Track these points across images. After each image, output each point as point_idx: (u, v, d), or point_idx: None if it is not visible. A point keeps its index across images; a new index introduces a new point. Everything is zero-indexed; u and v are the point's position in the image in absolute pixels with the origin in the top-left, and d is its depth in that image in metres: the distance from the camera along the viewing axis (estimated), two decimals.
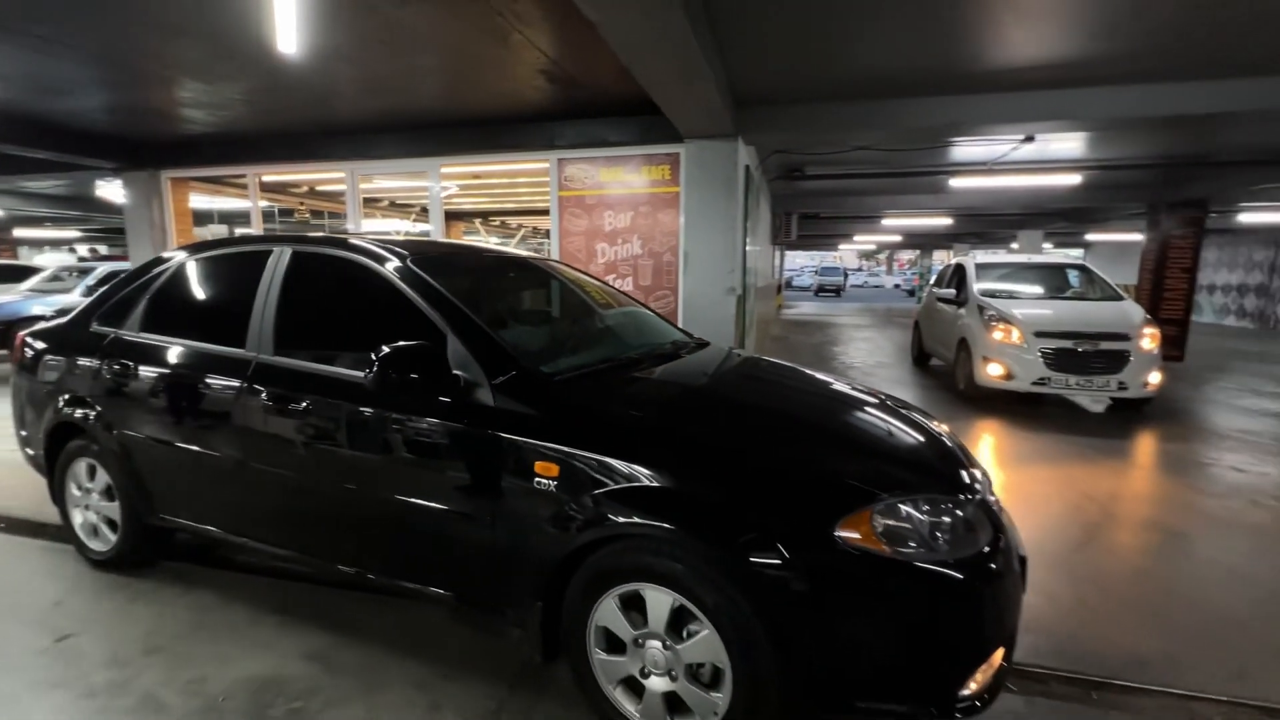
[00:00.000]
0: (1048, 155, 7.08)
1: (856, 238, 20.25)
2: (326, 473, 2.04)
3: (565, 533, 1.63)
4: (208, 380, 2.29)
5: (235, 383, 2.21)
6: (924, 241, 23.38)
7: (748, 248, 6.70)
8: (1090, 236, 17.53)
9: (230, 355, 2.27)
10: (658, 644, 1.60)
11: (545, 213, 5.80)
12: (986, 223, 15.06)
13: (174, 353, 2.43)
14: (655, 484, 1.55)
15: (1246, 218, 11.70)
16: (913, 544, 1.46)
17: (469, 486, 1.79)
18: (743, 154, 5.25)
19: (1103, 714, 1.91)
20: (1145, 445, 4.91)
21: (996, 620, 1.52)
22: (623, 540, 1.59)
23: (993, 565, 1.51)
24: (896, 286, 35.09)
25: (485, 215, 12.92)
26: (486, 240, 15.30)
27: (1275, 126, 5.85)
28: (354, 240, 2.26)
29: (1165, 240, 9.39)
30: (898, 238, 20.34)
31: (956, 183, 7.80)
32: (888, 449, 1.85)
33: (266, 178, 7.02)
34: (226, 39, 3.76)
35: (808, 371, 2.54)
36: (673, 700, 1.61)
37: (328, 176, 7.48)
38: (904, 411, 2.17)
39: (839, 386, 2.35)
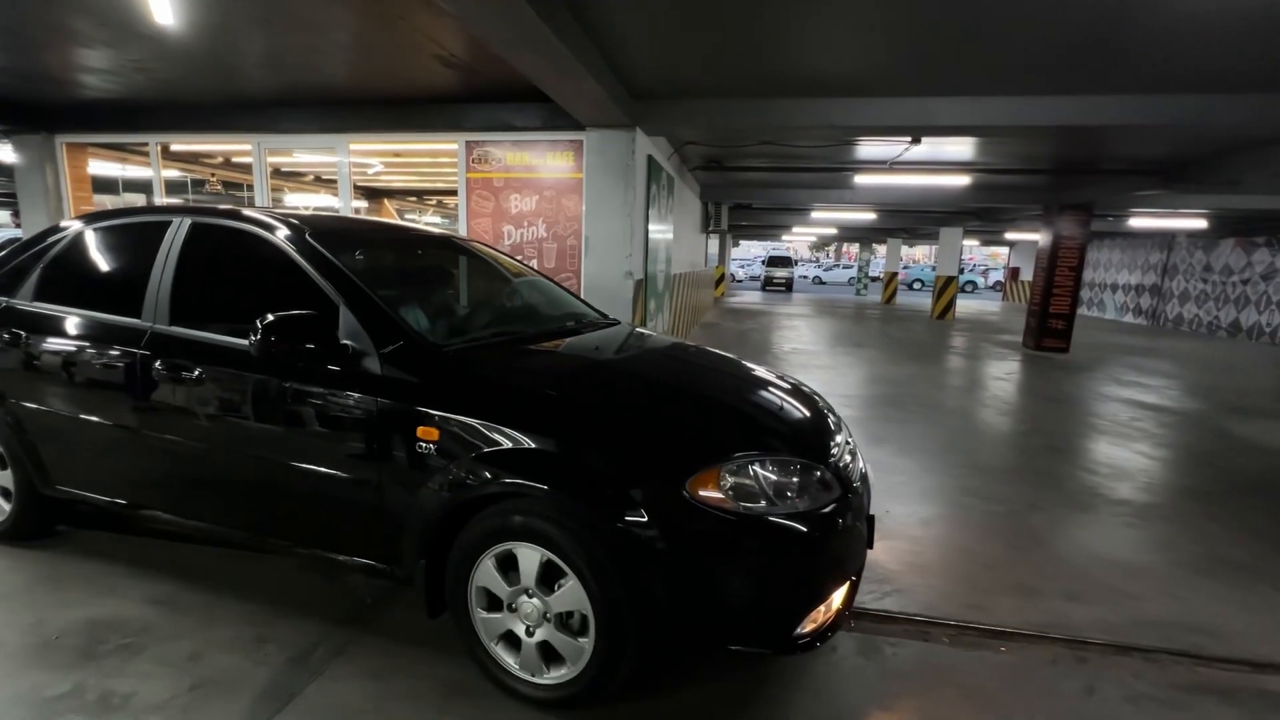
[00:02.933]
0: (941, 156, 7.57)
1: (796, 229, 20.82)
2: (219, 440, 2.12)
3: (444, 493, 1.74)
4: (102, 350, 2.31)
5: (130, 352, 2.24)
6: (862, 235, 24.19)
7: (662, 236, 6.97)
8: (1010, 235, 18.59)
9: (125, 325, 2.29)
10: (532, 598, 1.75)
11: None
12: (913, 218, 15.79)
13: (68, 323, 2.43)
14: (527, 446, 1.67)
15: (1137, 222, 12.67)
16: (760, 501, 1.62)
17: (357, 452, 1.88)
18: (643, 144, 5.48)
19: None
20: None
21: (835, 568, 1.70)
22: (497, 501, 1.72)
23: (835, 520, 1.67)
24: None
25: (420, 194, 12.79)
26: (418, 220, 15.09)
27: (1144, 139, 6.46)
28: (250, 213, 2.30)
29: (1056, 240, 10.15)
30: (833, 230, 21.03)
31: (861, 179, 8.24)
32: (756, 416, 2.00)
33: (176, 147, 6.86)
34: (103, 7, 3.75)
35: (712, 350, 2.65)
36: (547, 649, 1.76)
37: (233, 148, 7.34)
38: (787, 384, 2.34)
39: (735, 364, 2.48)
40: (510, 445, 1.70)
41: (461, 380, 1.87)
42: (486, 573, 1.79)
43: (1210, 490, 3.91)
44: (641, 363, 2.39)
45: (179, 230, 2.35)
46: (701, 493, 1.58)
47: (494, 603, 1.83)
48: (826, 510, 1.67)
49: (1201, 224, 12.76)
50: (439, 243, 3.01)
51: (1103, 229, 15.43)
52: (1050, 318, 10.27)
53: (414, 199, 13.47)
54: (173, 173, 8.28)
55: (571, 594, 1.67)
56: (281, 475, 2.03)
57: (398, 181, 10.84)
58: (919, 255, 41.10)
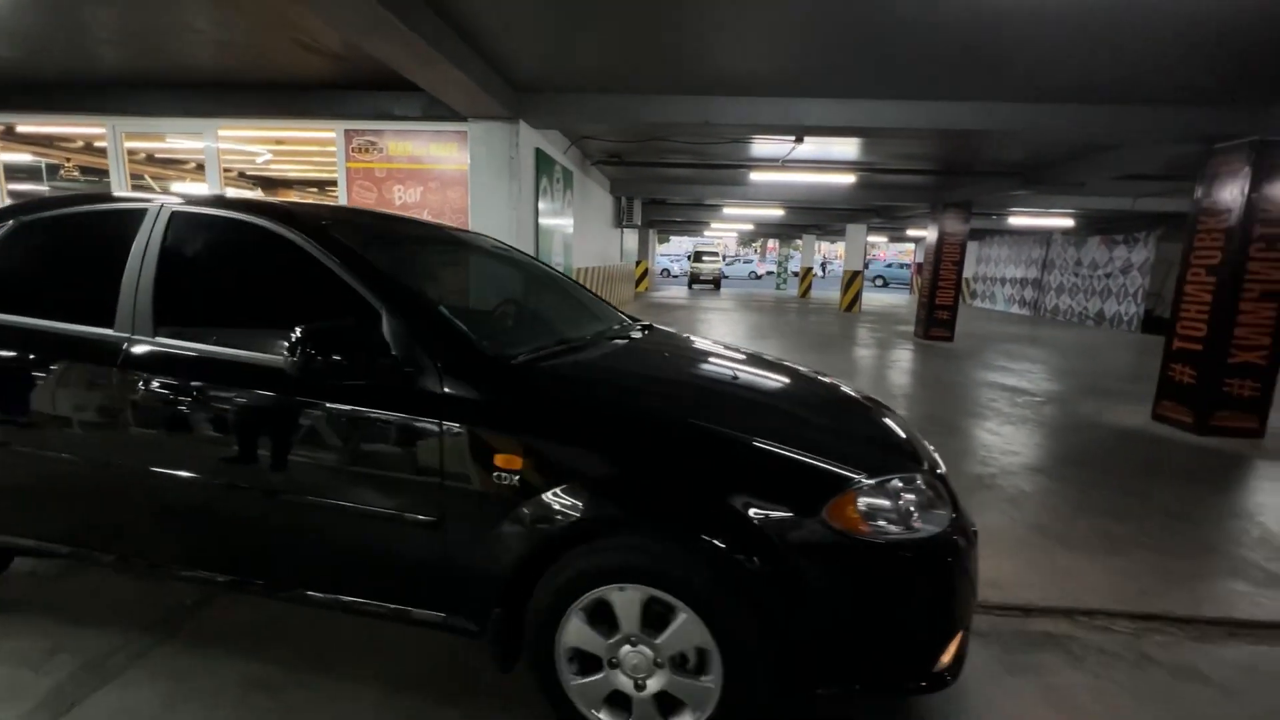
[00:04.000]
0: (829, 155, 7.97)
1: (714, 225, 21.30)
2: (224, 474, 1.76)
3: (527, 529, 1.50)
4: (61, 368, 1.90)
5: (102, 370, 1.84)
6: (779, 231, 25.04)
7: (559, 229, 6.99)
8: (912, 232, 19.74)
9: (93, 337, 1.87)
10: (636, 646, 1.51)
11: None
12: (823, 215, 16.50)
13: (7, 335, 1.97)
14: (630, 472, 1.51)
15: (1016, 220, 13.77)
16: (891, 523, 1.47)
17: (414, 483, 1.60)
18: (529, 137, 5.49)
19: None
20: None
21: (966, 592, 1.55)
22: (589, 537, 1.49)
23: (957, 539, 1.54)
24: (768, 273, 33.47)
25: (320, 184, 12.22)
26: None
27: (1005, 143, 7.03)
28: (250, 200, 2.00)
29: (940, 237, 10.89)
30: (750, 226, 21.67)
31: (755, 176, 8.55)
32: (855, 431, 1.90)
33: (23, 128, 6.28)
34: None
35: (756, 354, 2.53)
36: (663, 700, 1.52)
37: (86, 131, 6.79)
38: (853, 395, 2.22)
39: (788, 369, 2.35)
40: (613, 471, 1.51)
41: (539, 397, 1.64)
42: (577, 631, 1.54)
43: (1040, 463, 4.34)
44: (717, 376, 2.20)
45: (157, 222, 1.93)
46: (838, 517, 1.43)
47: (589, 664, 1.57)
48: (949, 527, 1.55)
49: (1070, 223, 14.03)
50: (463, 242, 2.63)
51: (990, 226, 16.66)
52: (936, 309, 11.00)
53: (314, 190, 12.86)
54: (23, 156, 7.54)
55: (685, 630, 1.46)
56: (312, 517, 1.72)
57: (293, 171, 10.33)
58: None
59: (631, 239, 16.05)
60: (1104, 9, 3.36)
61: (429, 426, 1.58)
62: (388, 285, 1.72)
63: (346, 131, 5.44)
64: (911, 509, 1.51)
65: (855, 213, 15.72)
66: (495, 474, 1.53)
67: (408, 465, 1.61)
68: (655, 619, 1.49)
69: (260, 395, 1.73)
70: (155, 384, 1.79)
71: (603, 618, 1.53)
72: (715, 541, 1.42)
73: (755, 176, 8.64)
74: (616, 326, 2.49)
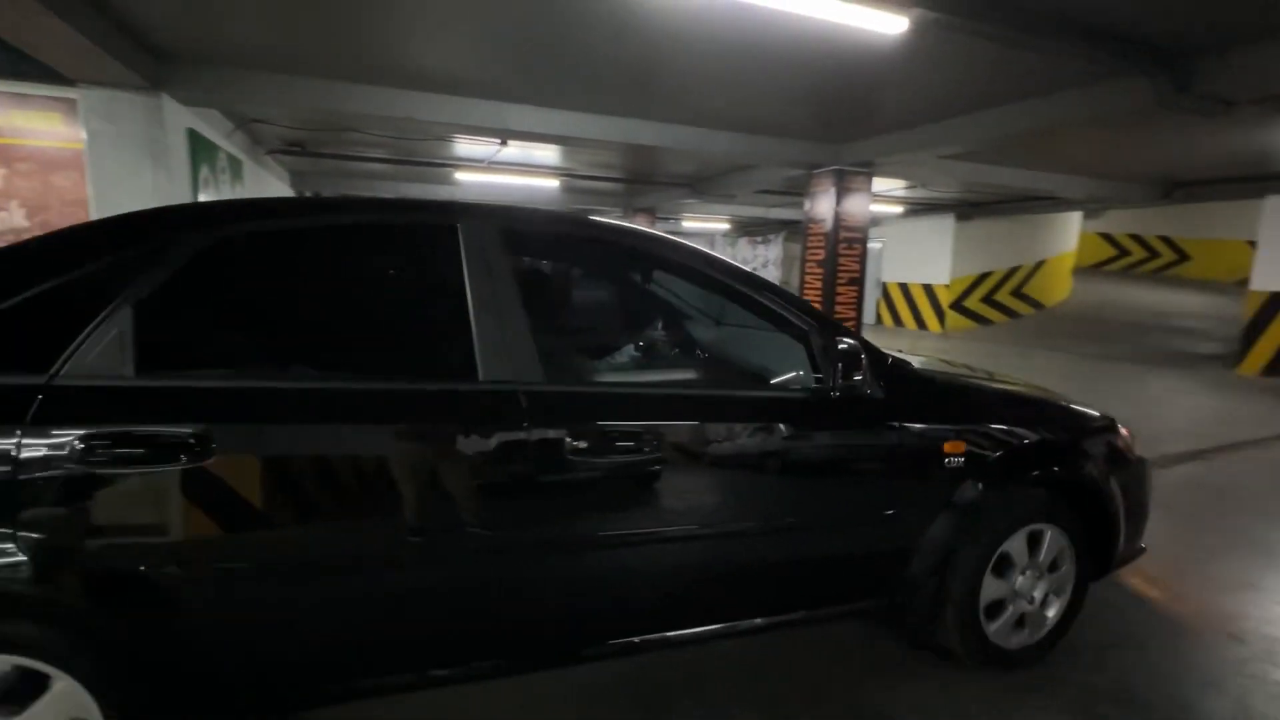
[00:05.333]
0: (533, 160, 8.29)
1: None
2: (696, 520, 1.60)
3: (967, 502, 1.81)
4: (406, 438, 1.37)
5: (494, 433, 1.39)
6: None
7: None
8: None
9: (456, 392, 1.42)
10: (1025, 574, 1.95)
11: None
12: None
13: (301, 400, 1.32)
14: (1028, 440, 1.93)
15: (688, 224, 16.24)
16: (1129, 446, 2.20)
17: (875, 486, 1.78)
18: (178, 114, 4.48)
19: None
20: None
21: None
22: (1009, 495, 1.89)
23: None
24: None
25: None
26: None
27: (677, 158, 8.18)
28: (631, 225, 1.79)
29: None
30: None
31: (462, 176, 8.43)
32: (1073, 400, 2.31)
33: None
34: None
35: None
36: (1020, 619, 1.96)
37: None
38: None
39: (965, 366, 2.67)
40: (1014, 443, 1.91)
41: (937, 392, 1.95)
42: (991, 585, 1.89)
43: None
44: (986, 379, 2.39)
45: (482, 240, 1.49)
46: (1120, 440, 2.13)
47: (998, 608, 1.94)
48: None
49: (727, 226, 17.12)
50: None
51: (670, 230, 19.32)
52: None
53: None
54: None
55: (1053, 543, 1.97)
56: (780, 543, 1.71)
57: None
58: None
59: None
60: (734, 70, 4.23)
61: (890, 428, 1.75)
62: (808, 306, 1.80)
63: None
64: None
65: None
66: (945, 459, 1.79)
67: (875, 468, 1.78)
68: (1034, 545, 1.95)
69: (754, 426, 1.66)
70: (591, 439, 1.45)
71: (1005, 567, 1.92)
72: (1064, 476, 1.97)
73: (462, 176, 8.49)
74: None
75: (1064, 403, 2.16)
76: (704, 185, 9.92)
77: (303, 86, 4.68)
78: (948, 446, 1.80)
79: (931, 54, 4.04)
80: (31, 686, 1.16)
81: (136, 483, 1.19)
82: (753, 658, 2.03)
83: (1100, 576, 2.11)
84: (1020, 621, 1.96)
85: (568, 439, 1.42)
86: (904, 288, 13.07)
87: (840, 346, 1.62)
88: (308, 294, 1.52)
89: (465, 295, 1.43)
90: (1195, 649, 2.15)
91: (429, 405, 1.39)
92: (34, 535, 1.13)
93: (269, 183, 8.33)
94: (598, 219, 1.78)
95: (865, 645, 2.12)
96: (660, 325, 2.14)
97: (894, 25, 3.17)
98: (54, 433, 1.14)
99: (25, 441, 1.12)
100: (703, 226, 17.17)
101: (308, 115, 5.34)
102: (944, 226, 11.85)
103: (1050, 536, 1.95)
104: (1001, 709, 1.81)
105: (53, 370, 1.17)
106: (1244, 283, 8.42)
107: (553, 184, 9.01)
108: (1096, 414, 2.14)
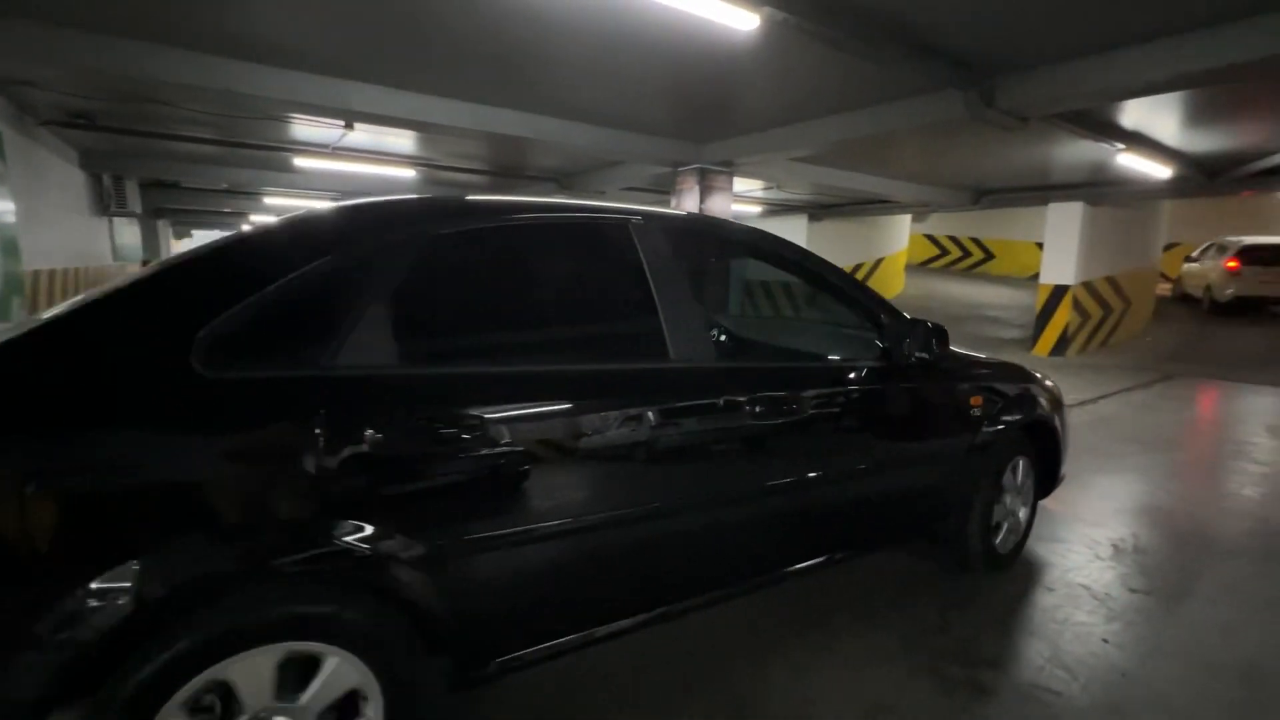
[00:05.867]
0: (386, 147, 7.67)
1: (255, 217, 18.04)
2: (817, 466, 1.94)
3: (984, 442, 2.39)
4: (631, 410, 1.57)
5: (701, 401, 1.68)
6: None
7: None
8: None
9: (666, 370, 1.67)
10: (1017, 496, 2.64)
11: None
12: None
13: (538, 384, 1.50)
14: (1012, 393, 2.52)
15: None
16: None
17: (934, 435, 2.32)
18: None
19: None
20: None
21: None
22: (1007, 435, 2.47)
23: None
24: None
25: None
26: None
27: (545, 151, 7.95)
28: (733, 223, 2.32)
29: None
30: None
31: (302, 162, 7.61)
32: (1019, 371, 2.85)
33: None
34: None
35: None
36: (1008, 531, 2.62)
37: None
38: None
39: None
40: (1007, 395, 2.50)
41: (962, 360, 2.43)
42: (997, 505, 2.54)
43: None
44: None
45: (646, 237, 1.73)
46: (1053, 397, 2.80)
47: (998, 527, 2.57)
48: None
49: None
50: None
51: None
52: None
53: None
54: None
55: (1025, 472, 2.65)
56: (871, 483, 2.14)
57: None
58: None
59: (131, 232, 12.21)
60: (597, 60, 4.15)
61: (944, 387, 2.30)
62: (880, 299, 2.24)
63: None
64: None
65: None
66: (971, 410, 2.32)
67: (936, 419, 2.30)
68: (1014, 473, 2.59)
69: (851, 390, 2.05)
70: (751, 405, 1.75)
71: (1002, 491, 2.54)
72: (1032, 418, 2.58)
73: (302, 163, 7.64)
74: None
75: (1015, 363, 2.72)
76: (572, 180, 9.79)
77: (82, 43, 3.89)
78: (972, 400, 2.34)
79: (783, 59, 4.23)
80: (307, 665, 1.22)
81: (428, 460, 1.30)
82: (841, 579, 2.54)
83: (1047, 494, 2.82)
84: (1008, 533, 2.59)
85: (745, 406, 1.73)
86: (765, 285, 13.86)
87: (914, 324, 2.11)
88: (534, 285, 1.74)
89: (650, 289, 1.67)
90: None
91: (644, 382, 1.62)
92: (344, 520, 1.20)
93: (50, 163, 6.94)
94: (729, 221, 2.13)
95: (904, 568, 2.68)
96: (773, 307, 2.89)
97: (746, 22, 3.26)
98: (344, 421, 1.22)
99: (320, 431, 1.19)
100: None
101: (94, 80, 4.46)
102: (798, 226, 12.70)
103: (1023, 465, 2.61)
104: (1006, 592, 2.50)
105: (334, 360, 1.25)
106: (1036, 278, 9.86)
107: (409, 174, 8.40)
108: (1035, 371, 2.72)
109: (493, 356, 1.51)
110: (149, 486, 1.06)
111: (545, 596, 1.50)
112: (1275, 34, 3.22)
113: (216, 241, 1.37)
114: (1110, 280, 10.21)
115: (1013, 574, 2.62)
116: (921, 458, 2.27)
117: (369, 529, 1.21)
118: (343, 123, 6.07)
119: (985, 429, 2.36)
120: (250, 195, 12.93)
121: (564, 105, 5.64)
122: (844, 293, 2.19)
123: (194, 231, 32.27)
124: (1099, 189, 9.00)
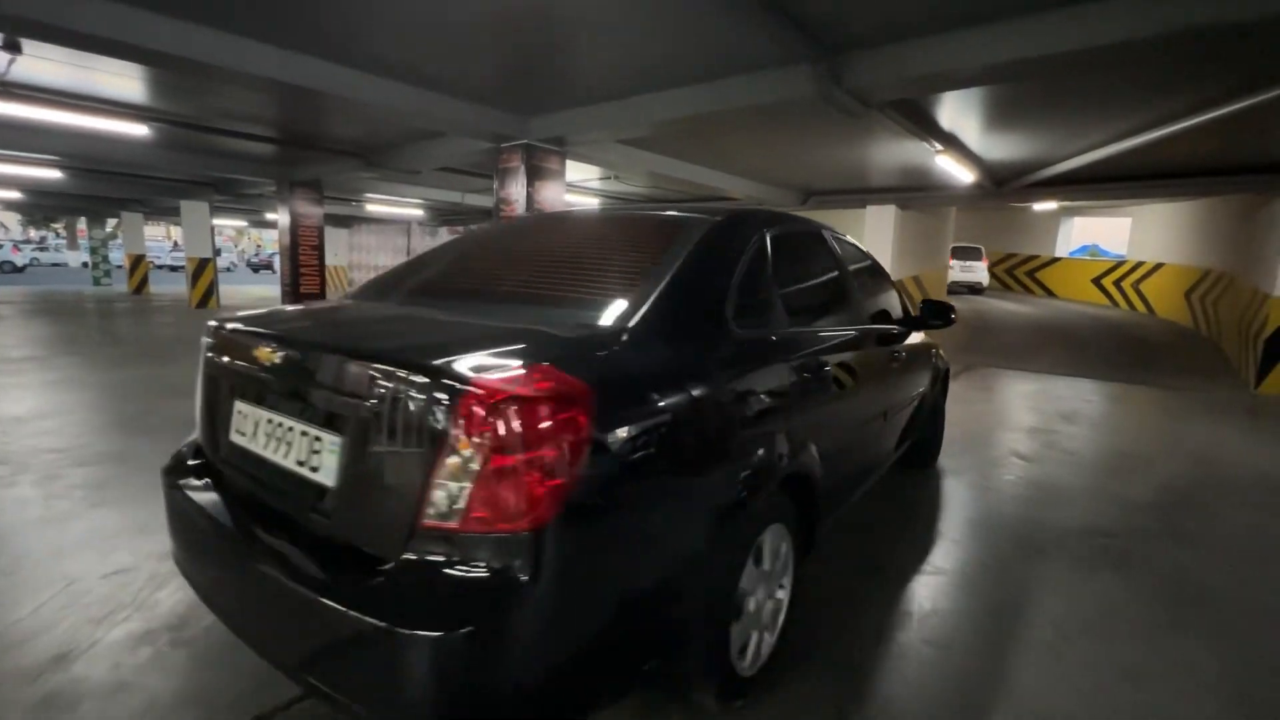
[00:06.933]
0: (99, 91, 5.73)
1: None
2: (879, 401, 2.71)
3: (942, 377, 3.79)
4: (853, 356, 2.44)
5: (878, 351, 2.74)
6: (85, 206, 18.28)
7: None
8: (272, 215, 17.75)
9: (857, 332, 2.56)
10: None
11: None
12: (142, 186, 12.64)
13: (825, 339, 2.32)
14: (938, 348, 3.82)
15: (374, 208, 14.08)
16: None
17: (922, 373, 3.36)
18: None
19: None
20: None
21: None
22: (945, 374, 3.93)
23: None
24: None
25: None
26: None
27: (345, 116, 6.49)
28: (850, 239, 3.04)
29: (294, 219, 9.89)
30: (16, 194, 14.87)
31: None
32: None
33: None
34: None
35: None
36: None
37: None
38: None
39: None
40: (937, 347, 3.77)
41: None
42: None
43: None
44: None
45: (836, 242, 2.77)
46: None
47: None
48: None
49: (421, 213, 15.40)
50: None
51: (352, 213, 16.60)
52: (305, 298, 10.06)
53: None
54: None
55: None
56: (890, 419, 2.88)
57: None
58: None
59: None
60: None
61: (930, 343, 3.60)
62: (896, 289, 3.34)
63: None
64: None
65: (189, 186, 12.75)
66: (934, 359, 3.59)
67: (921, 367, 3.34)
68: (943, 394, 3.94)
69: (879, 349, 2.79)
70: (882, 355, 2.76)
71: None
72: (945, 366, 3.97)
73: None
74: None
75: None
76: (380, 156, 8.33)
77: None
78: (932, 350, 3.56)
79: (616, 9, 3.53)
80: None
81: (813, 384, 2.07)
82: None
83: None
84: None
85: (895, 353, 2.88)
86: None
87: (930, 301, 3.14)
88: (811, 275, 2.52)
89: (847, 275, 2.71)
90: None
91: (861, 337, 2.58)
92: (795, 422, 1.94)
93: None
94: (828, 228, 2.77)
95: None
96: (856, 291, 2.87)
97: None
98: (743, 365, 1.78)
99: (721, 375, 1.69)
100: (390, 211, 15.13)
101: None
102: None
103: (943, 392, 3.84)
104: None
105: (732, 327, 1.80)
106: None
107: (138, 130, 6.41)
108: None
109: (809, 320, 2.31)
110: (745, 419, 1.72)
111: (842, 471, 2.36)
112: (1122, 21, 3.18)
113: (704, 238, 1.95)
114: (916, 280, 11.10)
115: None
116: (914, 392, 3.25)
117: (801, 430, 1.95)
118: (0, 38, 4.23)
119: (940, 369, 3.78)
120: None
121: (376, 61, 4.46)
122: (887, 284, 3.32)
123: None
124: (907, 194, 9.67)
